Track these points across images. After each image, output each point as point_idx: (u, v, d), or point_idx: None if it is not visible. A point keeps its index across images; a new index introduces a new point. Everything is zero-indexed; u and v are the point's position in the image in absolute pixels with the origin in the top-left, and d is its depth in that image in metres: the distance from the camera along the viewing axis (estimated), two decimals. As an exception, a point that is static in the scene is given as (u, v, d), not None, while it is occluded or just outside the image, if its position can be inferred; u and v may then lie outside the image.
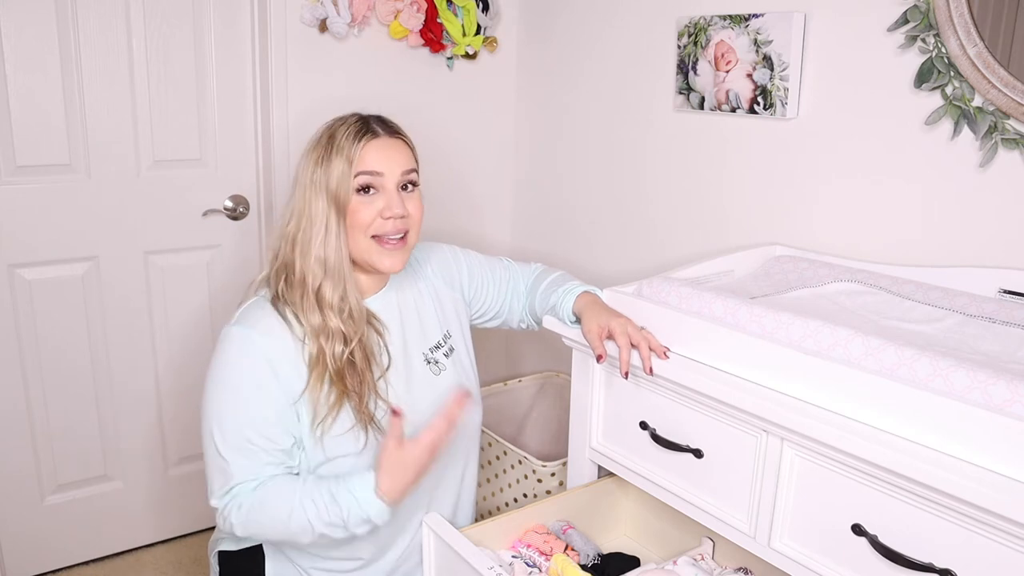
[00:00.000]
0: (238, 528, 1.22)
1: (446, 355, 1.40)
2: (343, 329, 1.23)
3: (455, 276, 1.47)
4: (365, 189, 1.23)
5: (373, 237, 1.25)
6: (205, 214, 2.03)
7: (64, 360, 1.94)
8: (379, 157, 1.24)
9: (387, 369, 1.30)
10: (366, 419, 1.25)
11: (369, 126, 1.26)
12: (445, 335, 1.41)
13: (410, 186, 1.28)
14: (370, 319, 1.30)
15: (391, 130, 1.28)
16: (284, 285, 1.25)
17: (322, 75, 2.01)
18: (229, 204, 2.05)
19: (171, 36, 1.89)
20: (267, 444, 1.21)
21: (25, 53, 1.74)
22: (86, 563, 2.08)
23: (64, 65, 1.79)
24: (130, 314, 1.99)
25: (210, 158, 2.01)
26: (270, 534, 1.22)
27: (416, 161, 1.31)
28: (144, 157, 1.93)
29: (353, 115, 1.28)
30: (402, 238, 1.27)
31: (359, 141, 1.23)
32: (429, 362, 1.37)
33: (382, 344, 1.30)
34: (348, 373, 1.23)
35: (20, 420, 1.91)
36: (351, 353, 1.23)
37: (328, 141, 1.24)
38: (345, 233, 1.24)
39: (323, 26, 1.97)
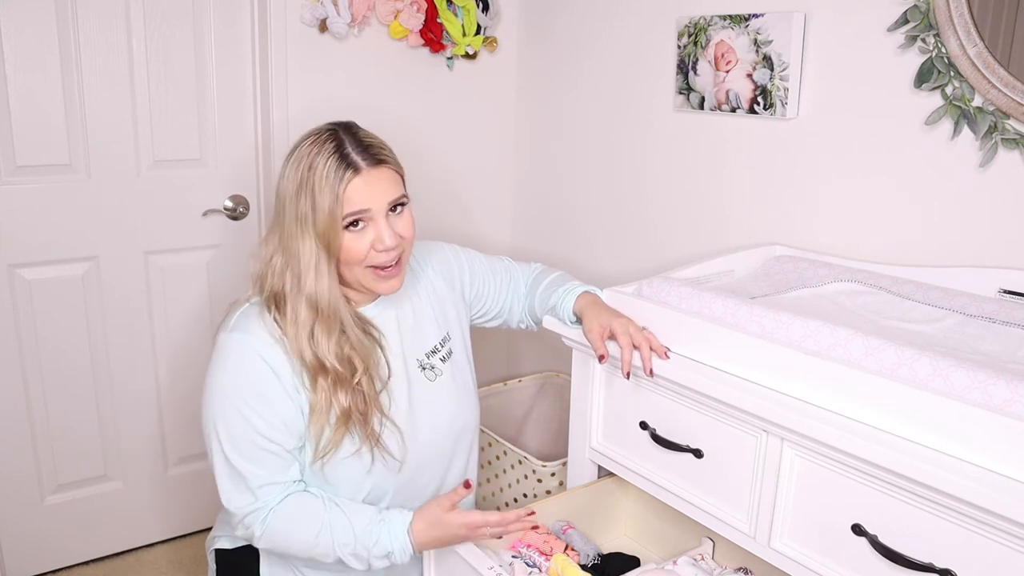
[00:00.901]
0: (260, 541, 1.21)
1: (443, 360, 1.39)
2: (339, 368, 1.20)
3: (456, 276, 1.47)
4: (355, 224, 1.19)
5: (368, 268, 1.22)
6: (205, 214, 2.03)
7: (64, 360, 1.94)
8: (365, 195, 1.18)
9: (388, 381, 1.29)
10: (372, 440, 1.24)
11: (349, 159, 1.17)
12: (444, 338, 1.40)
13: (399, 208, 1.24)
14: (369, 330, 1.28)
15: (373, 159, 1.19)
16: (278, 314, 1.22)
17: (322, 75, 2.01)
18: (229, 204, 2.05)
19: (171, 36, 1.89)
20: (276, 448, 1.20)
21: (25, 53, 1.74)
22: (86, 563, 2.08)
23: (64, 65, 1.79)
24: (130, 314, 1.99)
25: (210, 158, 2.01)
26: (291, 551, 1.22)
27: (403, 179, 1.26)
28: (144, 157, 1.93)
29: (328, 136, 1.20)
30: (398, 262, 1.25)
31: (341, 181, 1.16)
32: (424, 368, 1.36)
33: (383, 357, 1.29)
34: (353, 400, 1.22)
35: (20, 420, 1.91)
36: (358, 382, 1.22)
37: (308, 174, 1.17)
38: (336, 270, 1.22)
39: (323, 26, 1.97)
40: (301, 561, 1.33)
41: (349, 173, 1.17)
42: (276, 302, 1.22)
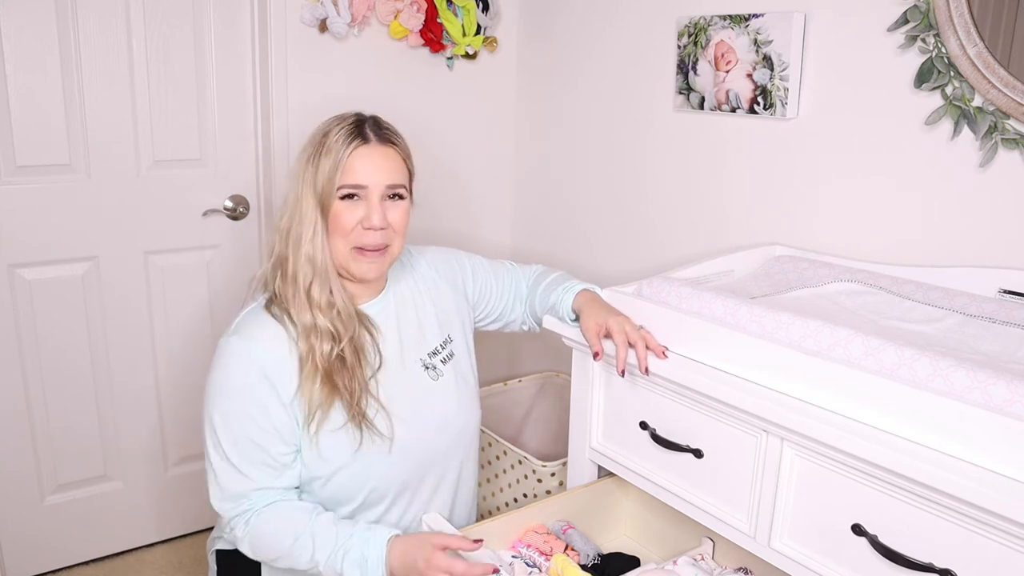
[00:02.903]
0: (242, 542, 1.22)
1: (444, 361, 1.39)
2: (331, 328, 1.23)
3: (459, 278, 1.47)
4: (349, 195, 1.23)
5: (353, 248, 1.24)
6: (205, 214, 2.03)
7: (64, 360, 1.94)
8: (365, 167, 1.22)
9: (378, 369, 1.29)
10: (359, 417, 1.24)
11: (362, 130, 1.24)
12: (445, 340, 1.41)
13: (397, 197, 1.27)
14: (362, 320, 1.29)
15: (384, 137, 1.25)
16: (280, 280, 1.25)
17: (322, 75, 2.01)
18: (229, 204, 2.05)
19: (171, 36, 1.89)
20: (268, 454, 1.21)
21: (25, 53, 1.74)
22: (86, 563, 2.08)
23: (64, 65, 1.79)
24: (130, 314, 1.99)
25: (210, 158, 2.01)
26: (269, 555, 1.22)
27: (409, 171, 1.29)
28: (144, 157, 1.93)
29: (353, 115, 1.27)
30: (382, 250, 1.26)
31: (348, 146, 1.22)
32: (427, 367, 1.36)
33: (374, 345, 1.30)
34: (338, 370, 1.23)
35: (20, 420, 1.91)
36: (341, 350, 1.23)
37: (322, 140, 1.24)
38: (327, 235, 1.24)
39: (323, 26, 1.97)
40: None
41: (356, 142, 1.23)
42: (283, 266, 1.25)
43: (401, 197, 1.27)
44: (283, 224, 1.26)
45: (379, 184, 1.23)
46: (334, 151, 1.22)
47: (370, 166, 1.23)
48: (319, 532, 1.19)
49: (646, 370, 1.21)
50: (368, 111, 1.31)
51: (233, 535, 1.23)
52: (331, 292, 1.24)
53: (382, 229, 1.23)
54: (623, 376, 1.24)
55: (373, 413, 1.27)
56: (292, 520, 1.20)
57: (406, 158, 1.29)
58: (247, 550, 1.23)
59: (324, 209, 1.23)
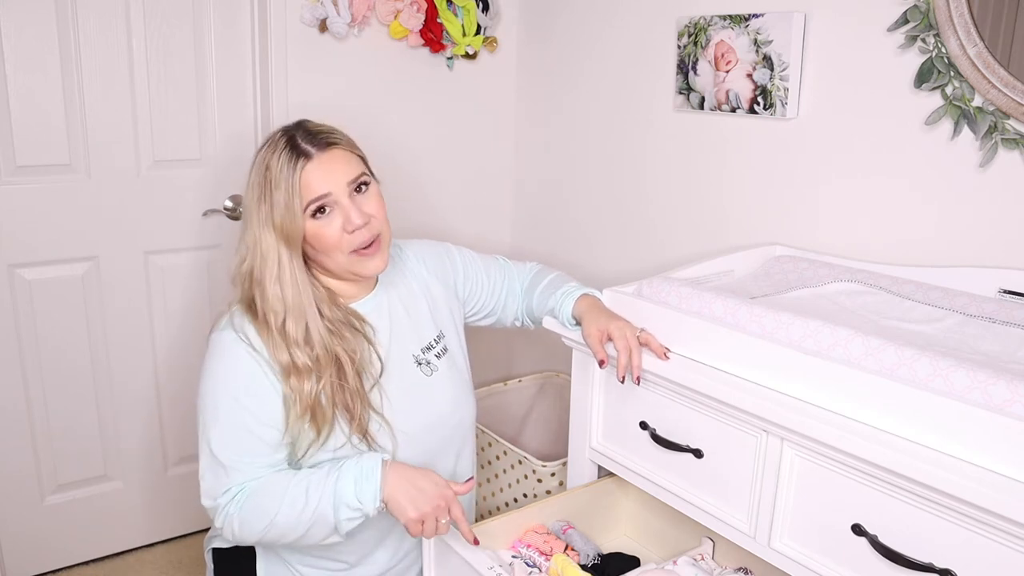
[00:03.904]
0: (236, 522, 1.20)
1: (438, 356, 1.39)
2: (311, 364, 1.21)
3: (449, 274, 1.47)
4: (320, 210, 1.21)
5: (351, 253, 1.23)
6: (205, 214, 2.03)
7: (64, 360, 1.94)
8: (320, 179, 1.20)
9: (379, 377, 1.29)
10: (360, 433, 1.24)
11: (299, 147, 1.20)
12: (438, 335, 1.41)
13: (363, 187, 1.25)
14: (359, 325, 1.29)
15: (323, 143, 1.22)
16: (253, 319, 1.23)
17: (322, 75, 2.01)
18: (229, 204, 2.05)
19: (171, 36, 1.89)
20: (262, 446, 1.21)
21: (25, 53, 1.74)
22: (86, 563, 2.08)
23: (64, 65, 1.79)
24: (130, 314, 1.99)
25: (210, 158, 2.01)
26: (262, 519, 1.19)
27: (362, 160, 1.28)
28: (144, 157, 1.93)
29: (280, 135, 1.23)
30: (376, 240, 1.25)
31: (295, 170, 1.19)
32: (420, 363, 1.36)
33: (372, 351, 1.30)
34: (338, 394, 1.22)
35: (20, 420, 1.91)
36: (341, 378, 1.22)
37: (265, 175, 1.21)
38: (299, 266, 1.22)
39: (323, 26, 1.97)
40: (295, 558, 1.33)
41: (302, 161, 1.20)
42: (251, 308, 1.24)
43: (367, 184, 1.26)
44: (244, 269, 1.24)
45: (340, 184, 1.22)
46: (283, 180, 1.19)
47: (324, 175, 1.20)
48: (311, 478, 1.18)
49: (637, 380, 1.22)
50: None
51: (227, 520, 1.20)
52: (307, 326, 1.22)
53: (366, 224, 1.23)
54: (623, 382, 1.24)
55: (376, 428, 1.27)
56: (279, 480, 1.20)
57: (352, 147, 1.27)
58: (236, 528, 1.20)
59: (291, 240, 1.20)
